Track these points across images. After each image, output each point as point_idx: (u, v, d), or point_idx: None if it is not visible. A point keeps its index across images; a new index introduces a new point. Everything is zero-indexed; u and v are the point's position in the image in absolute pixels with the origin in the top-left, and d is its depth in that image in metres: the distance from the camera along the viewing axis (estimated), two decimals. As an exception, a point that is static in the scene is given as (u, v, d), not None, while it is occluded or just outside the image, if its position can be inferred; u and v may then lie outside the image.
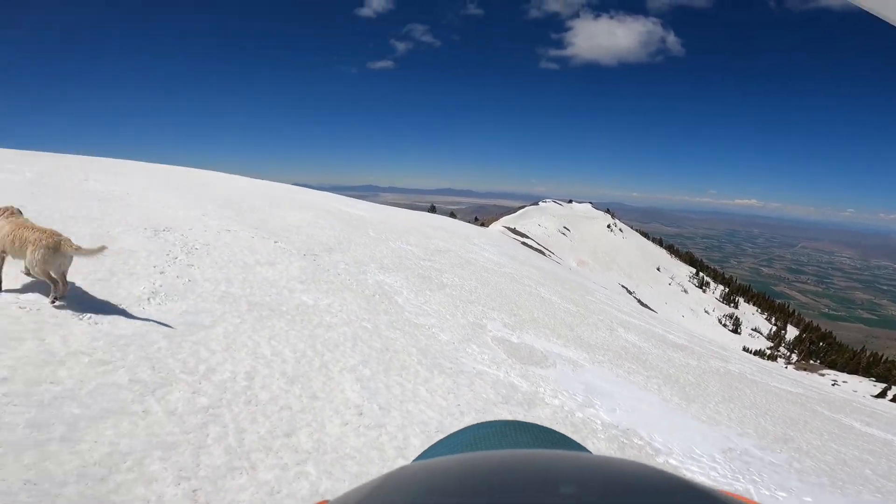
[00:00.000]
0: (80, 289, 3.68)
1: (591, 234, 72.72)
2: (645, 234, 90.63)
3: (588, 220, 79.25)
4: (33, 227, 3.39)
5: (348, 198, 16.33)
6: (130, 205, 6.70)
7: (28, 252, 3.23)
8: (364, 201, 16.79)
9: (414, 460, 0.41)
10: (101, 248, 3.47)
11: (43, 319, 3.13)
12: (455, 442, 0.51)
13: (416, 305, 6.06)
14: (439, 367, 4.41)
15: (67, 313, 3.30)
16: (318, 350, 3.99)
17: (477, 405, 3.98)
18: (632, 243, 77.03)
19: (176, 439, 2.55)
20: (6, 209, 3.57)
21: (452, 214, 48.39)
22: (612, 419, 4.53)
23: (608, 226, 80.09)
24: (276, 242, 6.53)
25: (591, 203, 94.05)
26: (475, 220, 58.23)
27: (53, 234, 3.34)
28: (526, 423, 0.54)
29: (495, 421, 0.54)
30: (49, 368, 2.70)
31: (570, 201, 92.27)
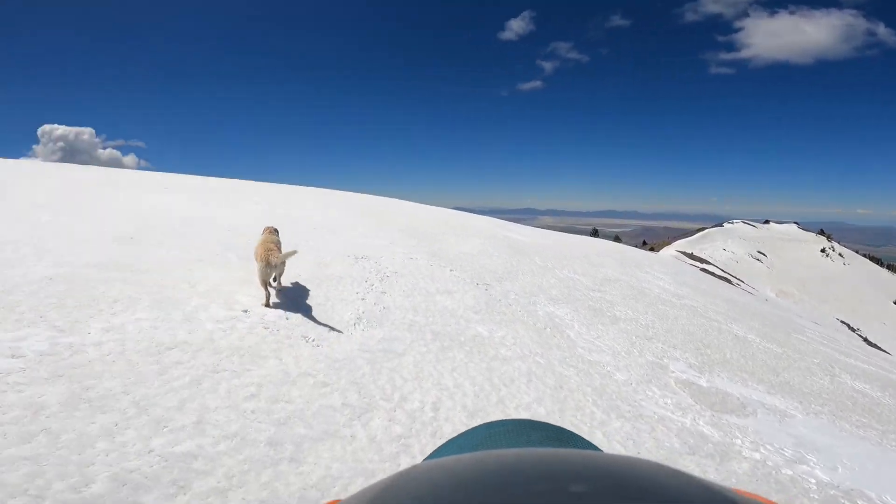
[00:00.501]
0: (308, 310, 4.38)
1: (796, 261, 59.52)
2: (876, 260, 70.32)
3: (793, 244, 65.13)
4: (263, 243, 4.30)
5: (509, 222, 16.44)
6: (335, 232, 7.87)
7: (256, 264, 4.19)
8: (525, 226, 16.71)
9: (425, 459, 0.43)
10: (293, 252, 4.24)
11: (280, 339, 3.74)
12: (466, 441, 0.51)
13: (589, 340, 5.61)
14: (616, 410, 3.98)
15: (298, 334, 3.90)
16: (495, 384, 3.94)
17: (660, 454, 3.46)
18: (857, 271, 60.42)
19: (375, 467, 2.65)
20: (269, 228, 4.79)
21: (617, 238, 45.03)
22: (830, 478, 3.61)
23: (822, 250, 64.40)
24: (451, 271, 6.81)
25: (796, 223, 77.17)
26: (643, 245, 53.08)
27: (267, 249, 4.16)
28: (537, 421, 0.54)
29: (506, 420, 0.55)
30: (285, 387, 3.12)
31: (767, 221, 77.16)
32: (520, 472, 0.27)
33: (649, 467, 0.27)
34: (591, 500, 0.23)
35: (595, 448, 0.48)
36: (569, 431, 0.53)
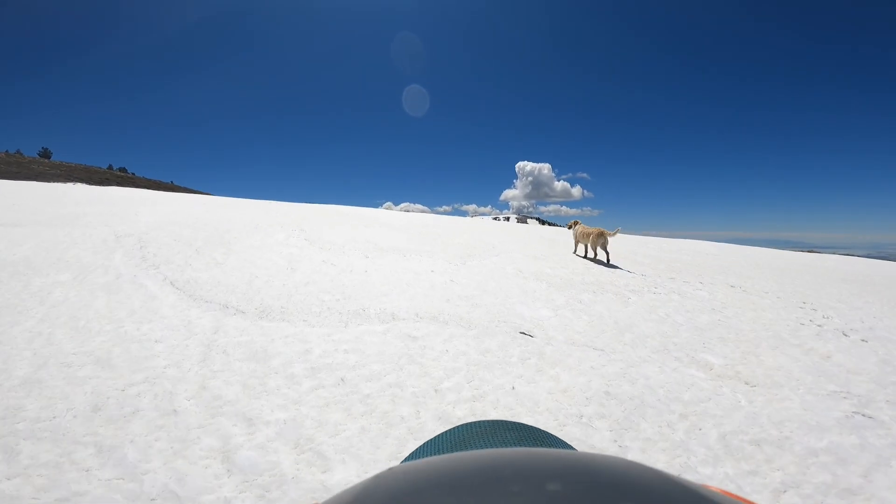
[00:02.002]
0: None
1: None
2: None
3: None
4: (587, 229, 7.55)
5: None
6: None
7: (590, 239, 7.38)
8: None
9: (402, 461, 0.43)
10: (617, 230, 7.10)
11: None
12: (442, 442, 0.52)
13: None
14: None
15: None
16: None
17: None
18: None
19: None
20: (575, 222, 8.39)
21: None
22: None
23: None
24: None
25: None
26: None
27: (600, 230, 7.22)
28: (512, 422, 0.56)
29: (482, 421, 0.56)
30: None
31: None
32: (496, 473, 0.27)
33: (624, 465, 0.28)
34: (567, 498, 0.23)
35: (569, 447, 0.49)
36: (543, 431, 0.55)
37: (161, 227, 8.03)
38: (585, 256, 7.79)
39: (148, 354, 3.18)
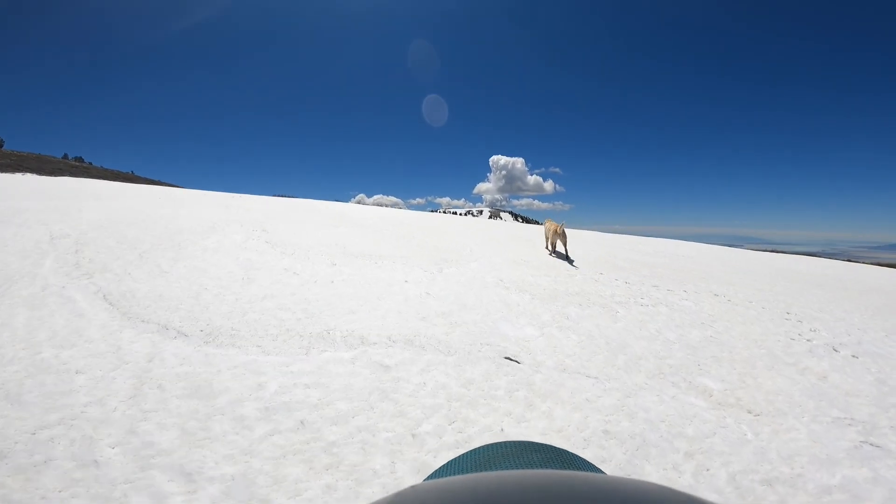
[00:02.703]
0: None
1: None
2: None
3: None
4: (551, 225, 8.15)
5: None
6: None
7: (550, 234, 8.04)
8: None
9: (425, 479, 0.41)
10: (563, 224, 8.06)
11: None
12: (466, 462, 0.51)
13: None
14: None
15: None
16: None
17: None
18: None
19: None
20: (548, 220, 8.55)
21: None
22: None
23: None
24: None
25: None
26: None
27: (555, 224, 8.02)
28: (538, 443, 0.55)
29: (507, 441, 0.55)
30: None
31: None
32: (519, 495, 0.26)
33: (652, 490, 0.27)
34: None
35: (598, 470, 0.46)
36: (570, 453, 0.52)
37: (104, 226, 7.27)
38: (547, 249, 8.54)
39: (66, 389, 2.69)
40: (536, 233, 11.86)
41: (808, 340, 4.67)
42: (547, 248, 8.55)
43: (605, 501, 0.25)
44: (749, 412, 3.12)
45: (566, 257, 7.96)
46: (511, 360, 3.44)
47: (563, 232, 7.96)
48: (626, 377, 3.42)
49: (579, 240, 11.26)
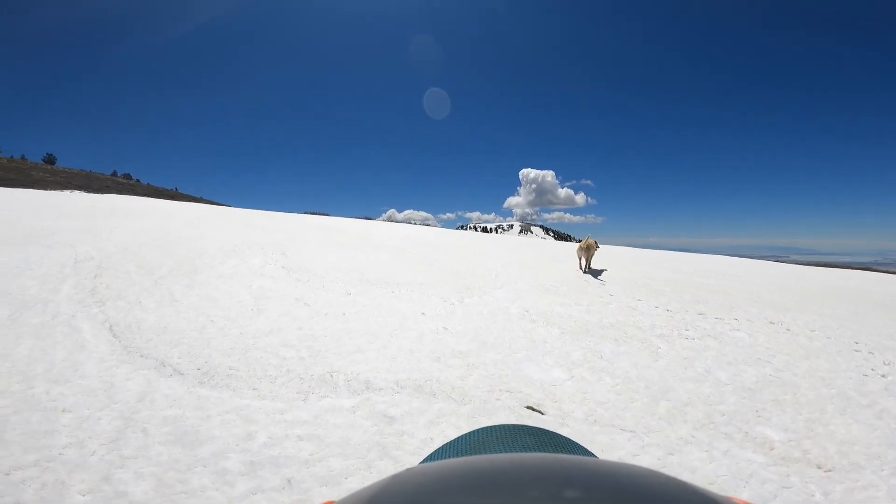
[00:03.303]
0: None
1: None
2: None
3: None
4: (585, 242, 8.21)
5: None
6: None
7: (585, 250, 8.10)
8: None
9: (420, 463, 0.42)
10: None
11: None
12: (461, 445, 0.52)
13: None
14: None
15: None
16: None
17: None
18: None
19: None
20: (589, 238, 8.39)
21: None
22: None
23: None
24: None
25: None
26: None
27: (589, 242, 8.14)
28: (532, 427, 0.55)
29: (501, 425, 0.56)
30: None
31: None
32: (515, 477, 0.27)
33: (646, 474, 0.28)
34: None
35: (590, 454, 0.48)
36: (564, 437, 0.54)
37: (129, 248, 7.38)
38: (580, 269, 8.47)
39: (49, 428, 2.54)
40: (568, 252, 11.34)
41: (882, 376, 4.07)
42: (580, 268, 8.45)
43: (597, 483, 0.26)
44: (818, 467, 2.65)
45: (592, 271, 8.16)
46: (534, 409, 3.03)
47: (588, 246, 8.11)
48: (668, 429, 2.96)
49: (613, 258, 10.65)
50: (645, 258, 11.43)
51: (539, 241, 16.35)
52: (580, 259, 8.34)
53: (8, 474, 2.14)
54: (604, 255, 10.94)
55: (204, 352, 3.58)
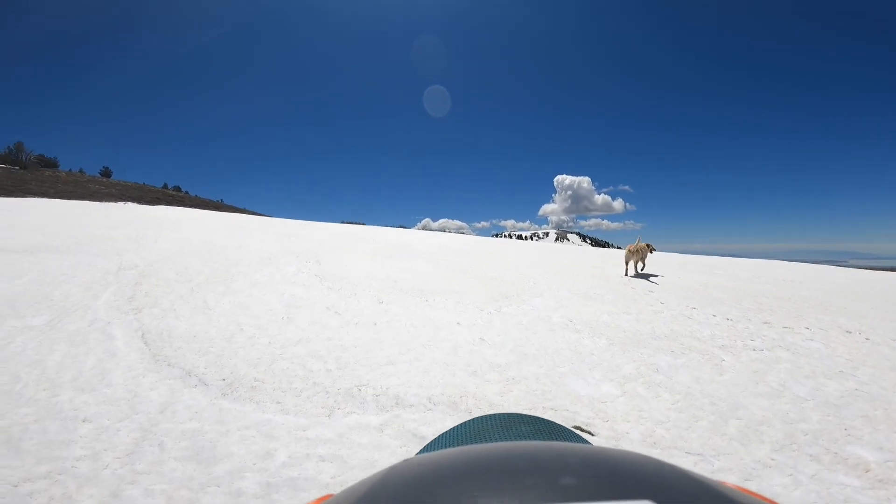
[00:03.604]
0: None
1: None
2: None
3: None
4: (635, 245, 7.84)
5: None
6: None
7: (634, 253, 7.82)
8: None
9: (417, 453, 0.43)
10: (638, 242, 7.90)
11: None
12: (458, 435, 0.53)
13: None
14: None
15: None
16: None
17: None
18: None
19: None
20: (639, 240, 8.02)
21: None
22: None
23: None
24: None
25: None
26: None
27: (640, 245, 7.80)
28: (528, 415, 0.56)
29: (496, 414, 0.57)
30: None
31: None
32: (511, 465, 0.27)
33: (640, 460, 0.28)
34: (581, 492, 0.23)
35: (584, 441, 0.48)
36: (558, 425, 0.55)
37: (172, 257, 7.53)
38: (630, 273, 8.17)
39: (67, 438, 2.46)
40: (609, 259, 10.76)
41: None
42: (625, 273, 8.12)
43: (592, 470, 0.26)
44: (923, 489, 2.28)
45: (642, 275, 7.92)
46: (582, 430, 2.68)
47: (637, 249, 7.84)
48: (742, 451, 2.57)
49: (659, 263, 10.00)
50: (694, 263, 10.69)
51: (576, 248, 15.77)
52: (627, 263, 8.01)
53: (16, 486, 2.06)
54: (648, 260, 10.33)
55: (230, 361, 3.44)
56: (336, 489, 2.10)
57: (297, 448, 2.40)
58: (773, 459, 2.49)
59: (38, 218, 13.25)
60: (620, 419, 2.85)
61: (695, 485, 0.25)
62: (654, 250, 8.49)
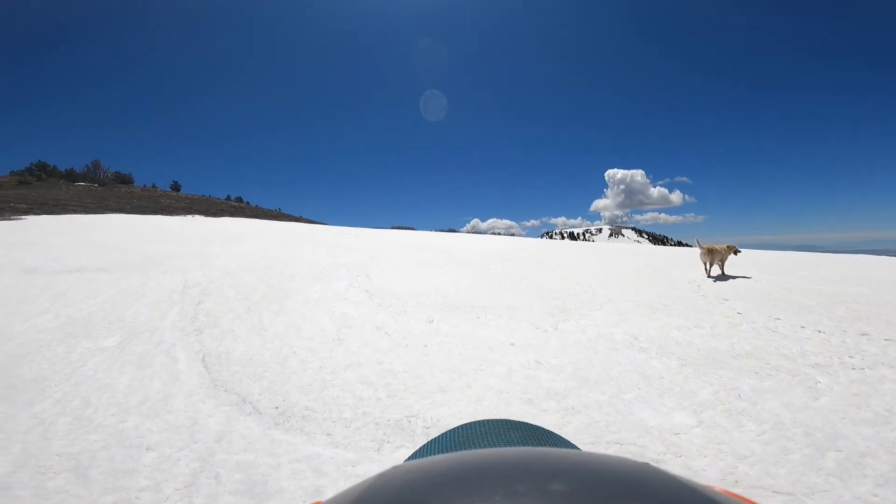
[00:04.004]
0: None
1: None
2: None
3: None
4: (717, 246, 7.51)
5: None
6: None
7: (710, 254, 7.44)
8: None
9: (406, 460, 0.43)
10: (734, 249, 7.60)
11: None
12: (447, 441, 0.53)
13: None
14: None
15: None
16: None
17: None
18: None
19: None
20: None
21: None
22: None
23: None
24: None
25: None
26: None
27: (717, 247, 7.51)
28: (517, 421, 0.57)
29: (487, 420, 0.57)
30: None
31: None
32: (501, 472, 0.27)
33: (630, 466, 0.28)
34: (572, 498, 0.23)
35: (574, 447, 0.49)
36: (548, 431, 0.55)
37: (231, 272, 7.88)
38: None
39: (131, 468, 2.54)
40: (674, 259, 10.04)
41: None
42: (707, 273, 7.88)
43: (580, 476, 0.26)
44: None
45: (720, 277, 7.59)
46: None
47: (714, 250, 7.51)
48: (840, 488, 2.24)
49: (730, 263, 9.19)
50: (769, 262, 9.70)
51: (634, 247, 14.93)
52: (705, 264, 7.72)
53: (84, 516, 2.11)
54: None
55: (283, 388, 3.46)
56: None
57: (346, 485, 2.33)
58: (876, 496, 2.16)
59: (116, 235, 14.46)
60: (696, 453, 2.55)
61: (684, 490, 0.25)
62: (739, 252, 7.85)
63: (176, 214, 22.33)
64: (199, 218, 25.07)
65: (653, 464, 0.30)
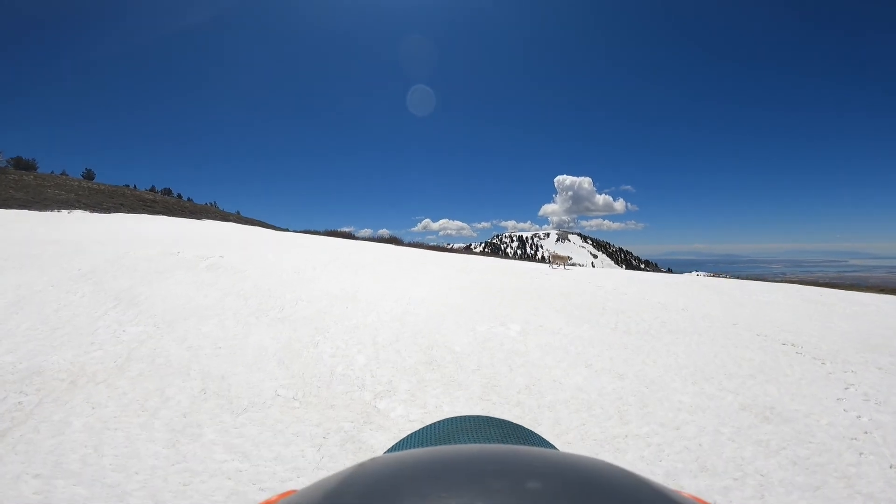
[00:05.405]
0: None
1: None
2: None
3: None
4: (561, 255, 13.46)
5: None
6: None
7: (561, 261, 13.21)
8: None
9: (385, 452, 0.42)
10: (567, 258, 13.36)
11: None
12: (427, 435, 0.53)
13: None
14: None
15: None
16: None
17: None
18: None
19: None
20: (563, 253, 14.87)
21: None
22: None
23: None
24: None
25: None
26: None
27: (565, 255, 13.31)
28: (497, 419, 0.56)
29: (467, 416, 0.57)
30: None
31: None
32: (478, 468, 0.28)
33: (600, 466, 0.29)
34: (546, 496, 0.24)
35: (551, 446, 0.50)
36: (527, 429, 0.55)
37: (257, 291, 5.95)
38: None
39: None
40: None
41: None
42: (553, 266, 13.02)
43: (558, 474, 0.27)
44: None
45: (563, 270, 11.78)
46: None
47: (556, 256, 13.09)
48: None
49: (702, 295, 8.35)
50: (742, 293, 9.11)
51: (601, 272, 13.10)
52: (552, 265, 13.09)
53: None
54: (707, 286, 9.89)
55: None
56: None
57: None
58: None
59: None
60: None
61: (654, 494, 0.26)
62: (572, 262, 13.18)
63: (49, 209, 16.75)
64: (77, 214, 18.23)
65: (629, 469, 0.29)
